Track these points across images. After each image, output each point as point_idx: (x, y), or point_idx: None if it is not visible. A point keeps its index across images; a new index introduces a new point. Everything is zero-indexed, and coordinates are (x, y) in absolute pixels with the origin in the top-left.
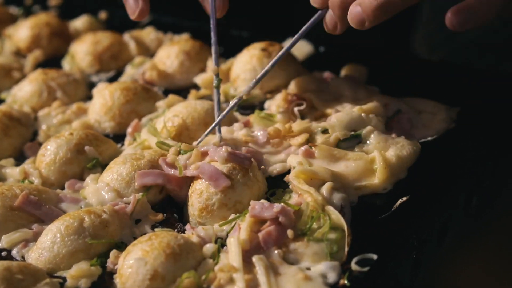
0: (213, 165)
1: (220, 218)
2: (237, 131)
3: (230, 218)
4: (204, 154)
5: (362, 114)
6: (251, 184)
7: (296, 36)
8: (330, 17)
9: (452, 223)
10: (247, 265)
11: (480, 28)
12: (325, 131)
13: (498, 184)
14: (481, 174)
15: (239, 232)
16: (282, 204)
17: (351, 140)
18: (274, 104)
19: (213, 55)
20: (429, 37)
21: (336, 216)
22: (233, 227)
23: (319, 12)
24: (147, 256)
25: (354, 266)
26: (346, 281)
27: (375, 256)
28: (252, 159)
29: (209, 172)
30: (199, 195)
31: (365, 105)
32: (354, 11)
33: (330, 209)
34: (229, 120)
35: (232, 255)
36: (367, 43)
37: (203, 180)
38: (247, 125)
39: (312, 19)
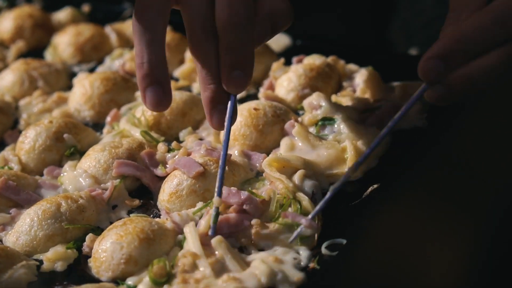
0: (189, 157)
1: (188, 205)
2: None
3: (197, 205)
4: (190, 153)
5: (336, 103)
6: (226, 177)
7: (398, 114)
8: (442, 92)
9: (421, 209)
10: (210, 249)
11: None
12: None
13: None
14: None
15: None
16: (248, 193)
17: (326, 125)
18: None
19: (217, 186)
20: (406, 25)
21: (306, 202)
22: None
23: (424, 85)
24: (122, 240)
25: (324, 250)
26: (316, 265)
27: (344, 241)
28: (231, 157)
29: (184, 161)
30: (171, 180)
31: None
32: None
33: (301, 195)
34: None
35: (190, 241)
36: (343, 35)
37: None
38: None
39: (417, 92)
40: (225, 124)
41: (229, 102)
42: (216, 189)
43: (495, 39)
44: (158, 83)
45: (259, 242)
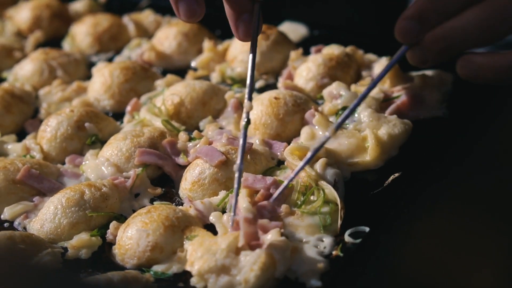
0: (210, 146)
1: (210, 193)
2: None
3: (220, 194)
4: (211, 143)
5: (356, 92)
6: (247, 166)
7: (380, 73)
8: (420, 54)
9: (442, 198)
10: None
11: None
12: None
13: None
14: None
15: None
16: (273, 177)
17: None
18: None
19: (247, 90)
20: None
21: (329, 190)
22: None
23: (404, 47)
24: (147, 228)
25: (347, 238)
26: (339, 252)
27: (367, 229)
28: (252, 145)
29: (206, 150)
30: (194, 169)
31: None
32: (469, 69)
33: (323, 184)
34: None
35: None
36: (357, 24)
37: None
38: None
39: (397, 54)
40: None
41: (256, 11)
42: (246, 95)
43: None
44: None
45: (285, 228)
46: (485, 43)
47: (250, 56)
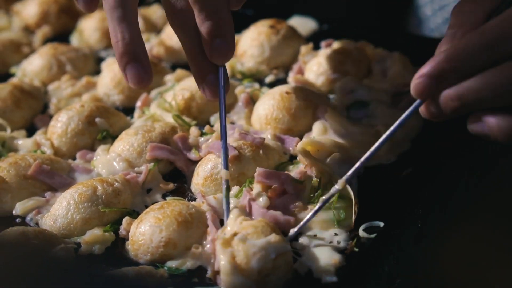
0: None
1: None
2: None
3: (233, 189)
4: None
5: (368, 86)
6: (260, 160)
7: (392, 128)
8: (434, 109)
9: (456, 193)
10: None
11: None
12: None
13: (497, 155)
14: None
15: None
16: (287, 173)
17: (359, 109)
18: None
19: (223, 159)
20: (426, 20)
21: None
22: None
23: (419, 101)
24: (160, 223)
25: (361, 233)
26: (354, 247)
27: (381, 224)
28: (264, 140)
29: (218, 145)
30: (206, 164)
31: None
32: (479, 128)
33: (337, 178)
34: None
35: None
36: (369, 21)
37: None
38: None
39: (411, 108)
40: (219, 94)
41: (219, 73)
42: (221, 163)
43: (486, 61)
44: (136, 60)
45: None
46: (500, 105)
47: (221, 116)
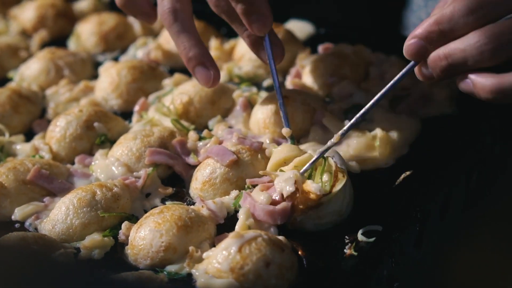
0: (221, 145)
1: (221, 193)
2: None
3: (231, 193)
4: (221, 142)
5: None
6: (258, 164)
7: (386, 88)
8: (425, 70)
9: (454, 197)
10: None
11: None
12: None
13: (497, 159)
14: (481, 149)
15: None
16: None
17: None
18: None
19: (283, 117)
20: (416, 16)
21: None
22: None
23: (412, 63)
24: (160, 228)
25: (360, 236)
26: (353, 251)
27: (380, 228)
28: (262, 144)
29: (217, 149)
30: (204, 168)
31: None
32: (465, 85)
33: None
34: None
35: None
36: (364, 25)
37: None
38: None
39: (404, 69)
40: (269, 62)
41: (265, 41)
42: (283, 122)
43: (471, 24)
44: (199, 63)
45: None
46: (485, 65)
47: (274, 79)
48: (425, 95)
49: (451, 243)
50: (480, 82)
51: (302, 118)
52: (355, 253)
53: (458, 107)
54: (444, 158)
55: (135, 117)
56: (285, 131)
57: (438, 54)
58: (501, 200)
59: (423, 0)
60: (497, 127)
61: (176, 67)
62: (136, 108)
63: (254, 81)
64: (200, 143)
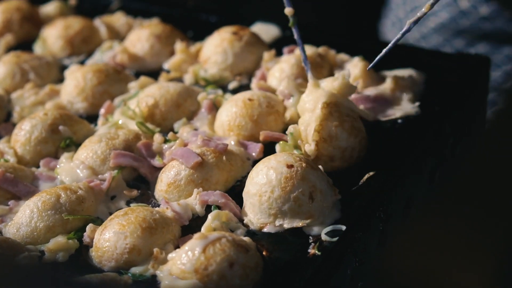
0: (186, 147)
1: (186, 195)
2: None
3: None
4: (186, 144)
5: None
6: (223, 167)
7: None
8: None
9: (416, 196)
10: None
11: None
12: None
13: (458, 158)
14: (443, 149)
15: None
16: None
17: None
18: None
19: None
20: (398, 22)
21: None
22: None
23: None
24: (125, 230)
25: (324, 236)
26: (316, 251)
27: (343, 227)
28: (228, 146)
29: (182, 151)
30: (169, 170)
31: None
32: None
33: None
34: None
35: None
36: (335, 28)
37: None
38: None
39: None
40: None
41: None
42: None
43: None
44: None
45: None
46: None
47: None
48: (385, 97)
49: (414, 241)
50: None
51: (267, 120)
52: (319, 253)
53: (420, 108)
54: (407, 159)
55: (100, 120)
56: (288, 10)
57: None
58: (463, 199)
59: None
60: (459, 127)
61: (142, 70)
62: (102, 111)
63: (219, 83)
64: (166, 146)
